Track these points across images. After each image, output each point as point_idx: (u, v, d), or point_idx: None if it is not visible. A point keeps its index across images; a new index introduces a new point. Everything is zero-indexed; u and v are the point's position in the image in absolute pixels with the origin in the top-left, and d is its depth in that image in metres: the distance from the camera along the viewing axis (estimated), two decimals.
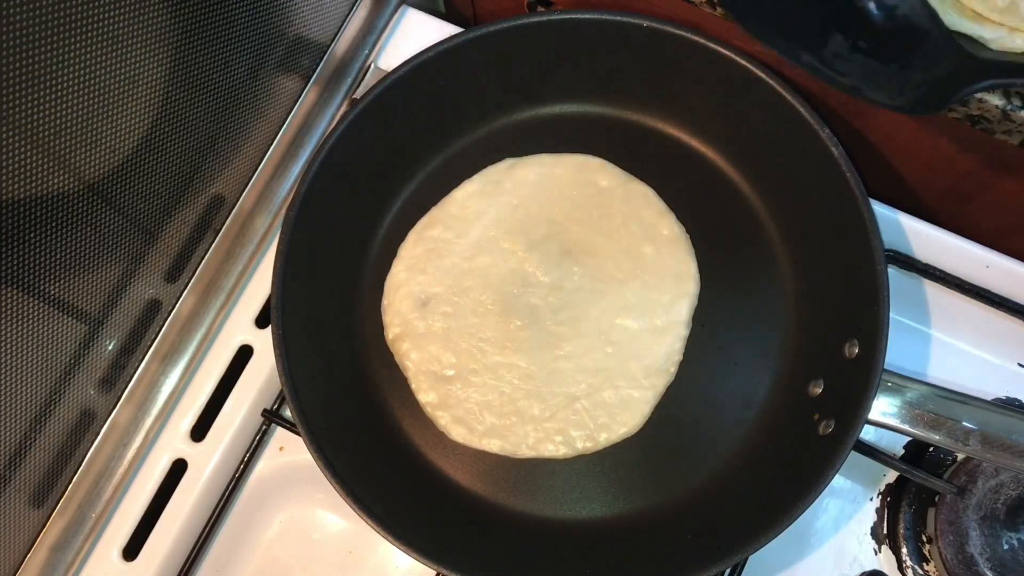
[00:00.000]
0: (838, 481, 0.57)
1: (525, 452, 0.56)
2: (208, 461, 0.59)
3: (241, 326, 0.62)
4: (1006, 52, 0.49)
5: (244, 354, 0.61)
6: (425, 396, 0.58)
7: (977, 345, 0.60)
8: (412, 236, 0.61)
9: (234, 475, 0.59)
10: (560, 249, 0.60)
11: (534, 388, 0.57)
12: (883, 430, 0.50)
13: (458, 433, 0.57)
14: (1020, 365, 0.60)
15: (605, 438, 0.56)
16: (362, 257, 0.62)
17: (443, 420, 0.57)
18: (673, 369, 0.57)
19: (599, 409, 0.57)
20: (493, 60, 0.60)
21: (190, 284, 0.59)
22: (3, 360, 0.45)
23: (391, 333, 0.60)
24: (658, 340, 0.58)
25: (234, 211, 0.60)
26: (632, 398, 0.57)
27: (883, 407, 0.49)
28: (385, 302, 0.60)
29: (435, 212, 0.62)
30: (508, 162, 0.62)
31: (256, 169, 0.61)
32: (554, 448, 0.56)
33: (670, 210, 0.60)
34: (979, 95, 0.50)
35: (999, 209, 0.62)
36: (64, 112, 0.41)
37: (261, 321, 0.62)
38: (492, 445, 0.57)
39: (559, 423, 0.57)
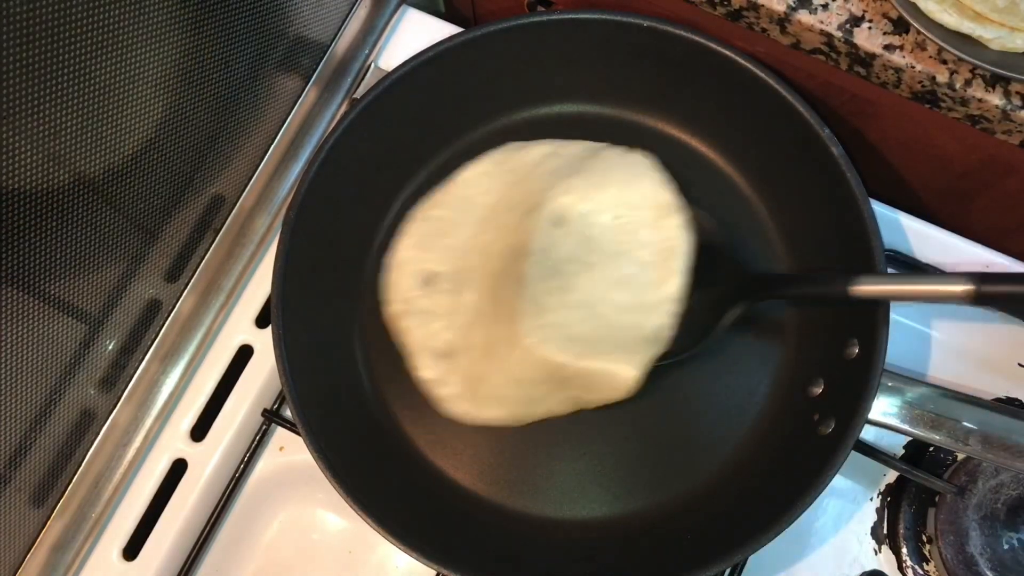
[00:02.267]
0: (838, 481, 0.57)
1: (529, 417, 0.56)
2: (208, 461, 0.59)
3: (241, 326, 0.62)
4: (1006, 51, 0.49)
5: (244, 354, 0.61)
6: (425, 373, 0.57)
7: (977, 345, 0.60)
8: (417, 215, 0.61)
9: (234, 475, 0.59)
10: (554, 221, 0.57)
11: (527, 358, 0.56)
12: (883, 430, 0.50)
13: (461, 408, 0.57)
14: (1020, 365, 0.60)
15: (594, 399, 0.56)
16: (363, 257, 0.62)
17: (444, 393, 0.57)
18: (663, 342, 0.55)
19: (591, 376, 0.55)
20: (493, 60, 0.60)
21: (190, 284, 0.59)
22: (3, 360, 0.45)
23: (391, 310, 0.59)
24: (647, 315, 0.55)
25: (234, 211, 0.60)
26: (620, 365, 0.55)
27: (883, 407, 0.49)
28: (387, 279, 0.60)
29: (439, 194, 0.61)
30: (516, 144, 0.62)
31: (256, 169, 0.61)
32: (557, 407, 0.56)
33: (668, 182, 0.57)
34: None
35: (999, 209, 0.62)
36: (64, 112, 0.41)
37: (261, 321, 0.62)
38: (496, 415, 0.56)
39: (550, 387, 0.56)
